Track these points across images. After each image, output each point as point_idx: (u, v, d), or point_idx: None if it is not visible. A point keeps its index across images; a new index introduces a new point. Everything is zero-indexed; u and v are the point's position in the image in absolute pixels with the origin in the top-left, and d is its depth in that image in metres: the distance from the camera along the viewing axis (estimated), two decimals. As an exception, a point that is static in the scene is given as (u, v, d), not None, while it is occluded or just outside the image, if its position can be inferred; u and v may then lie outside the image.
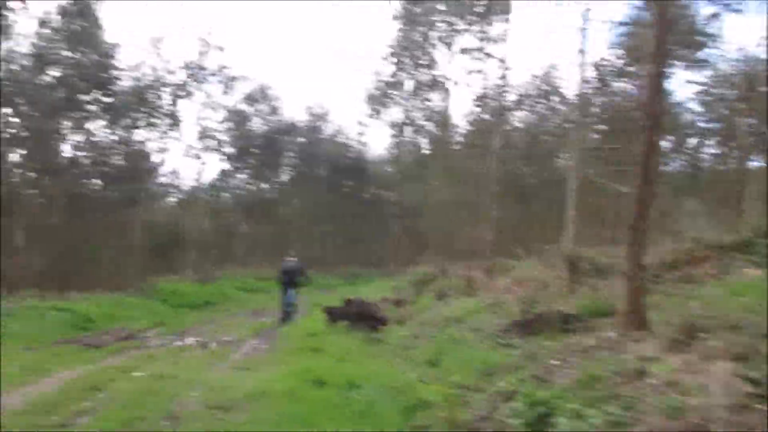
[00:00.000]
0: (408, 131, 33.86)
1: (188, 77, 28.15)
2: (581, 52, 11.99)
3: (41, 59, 20.94)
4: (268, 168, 35.75)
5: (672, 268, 9.19)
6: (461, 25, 25.46)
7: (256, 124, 34.51)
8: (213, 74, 29.59)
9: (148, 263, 24.47)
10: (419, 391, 6.25)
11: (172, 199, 33.11)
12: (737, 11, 15.91)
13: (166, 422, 5.70)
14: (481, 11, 22.03)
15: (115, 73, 22.87)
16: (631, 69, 19.22)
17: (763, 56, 16.04)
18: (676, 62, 18.36)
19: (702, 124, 26.09)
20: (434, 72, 29.98)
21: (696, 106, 24.27)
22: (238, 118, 32.75)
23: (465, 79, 23.92)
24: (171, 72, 26.87)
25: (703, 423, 3.58)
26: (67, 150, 22.63)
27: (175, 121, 27.01)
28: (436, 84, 30.19)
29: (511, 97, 23.60)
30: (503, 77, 16.84)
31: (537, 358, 6.10)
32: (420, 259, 26.07)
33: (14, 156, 21.43)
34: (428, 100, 31.59)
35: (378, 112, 32.90)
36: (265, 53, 56.24)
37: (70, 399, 6.47)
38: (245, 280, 26.85)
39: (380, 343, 10.64)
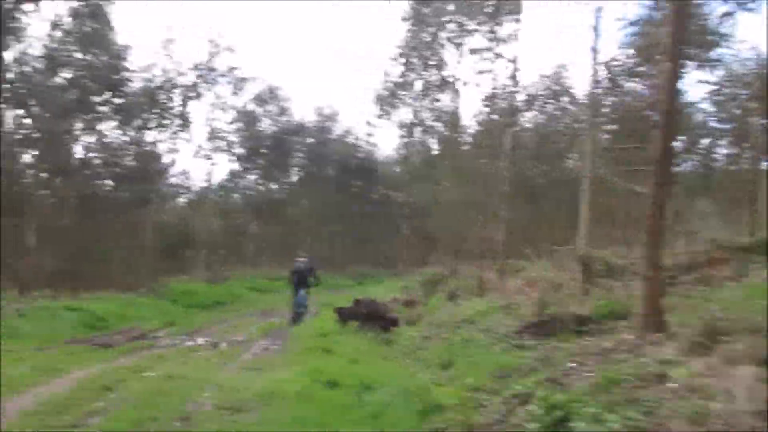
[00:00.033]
0: (417, 132, 33.78)
1: (198, 78, 28.26)
2: (593, 50, 11.86)
3: (53, 61, 21.07)
4: (277, 168, 35.81)
5: (687, 269, 9.08)
6: (471, 26, 25.33)
7: (266, 125, 34.59)
8: (223, 75, 29.70)
9: (159, 263, 24.57)
10: (433, 394, 6.18)
11: (182, 200, 33.26)
12: (750, 10, 15.69)
13: (178, 423, 5.67)
14: (491, 11, 21.88)
15: (126, 74, 22.96)
16: (642, 69, 19.04)
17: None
18: (688, 62, 18.15)
19: (714, 124, 25.86)
20: (443, 72, 29.89)
21: (708, 106, 24.03)
22: (247, 119, 32.84)
23: (474, 80, 23.75)
24: (181, 73, 27.00)
25: (726, 429, 3.50)
26: (78, 151, 22.78)
27: (185, 122, 27.12)
28: (445, 84, 30.07)
29: (521, 97, 23.46)
30: (513, 77, 16.71)
31: (552, 361, 6.03)
32: (429, 260, 26.02)
33: (26, 157, 21.60)
34: (437, 100, 31.48)
35: (387, 113, 32.84)
36: (275, 54, 56.50)
37: (81, 399, 6.46)
38: (255, 280, 26.90)
39: (391, 343, 10.60)
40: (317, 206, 37.44)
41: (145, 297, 18.33)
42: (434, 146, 34.73)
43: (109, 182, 23.35)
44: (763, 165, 19.37)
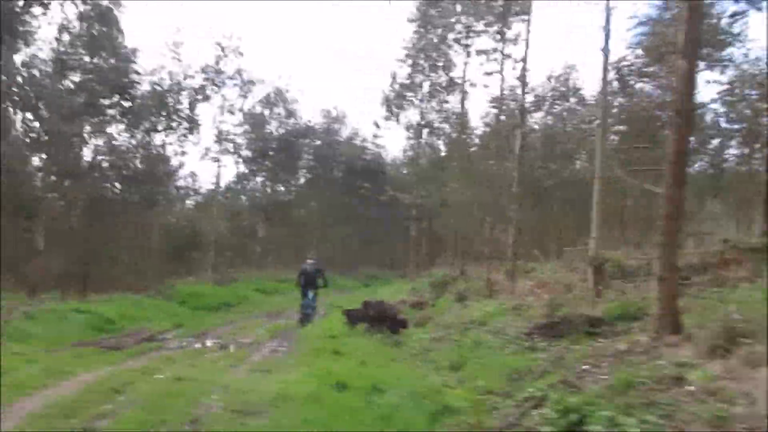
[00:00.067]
0: (425, 133, 33.71)
1: (206, 81, 28.33)
2: (604, 51, 11.75)
3: (62, 64, 21.17)
4: (284, 170, 35.85)
5: (701, 270, 8.98)
6: (479, 26, 25.26)
7: (273, 127, 34.64)
8: (230, 78, 29.77)
9: (166, 265, 24.60)
10: (444, 396, 6.10)
11: (190, 202, 33.35)
12: (761, 9, 15.52)
13: (187, 426, 5.62)
14: (499, 12, 21.78)
15: (134, 77, 23.05)
16: (651, 69, 18.91)
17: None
18: (698, 61, 17.98)
19: (724, 125, 25.64)
20: (451, 74, 29.83)
21: (718, 106, 23.81)
22: (255, 121, 32.89)
23: (482, 81, 23.67)
24: (189, 76, 27.09)
25: (749, 433, 3.41)
26: (87, 154, 22.87)
27: (193, 125, 27.16)
28: (452, 86, 30.01)
29: (530, 98, 23.35)
30: (522, 78, 16.62)
31: (565, 363, 5.94)
32: (437, 261, 25.95)
33: (35, 160, 21.71)
34: (445, 102, 31.43)
35: (394, 115, 32.79)
36: (282, 56, 56.59)
37: (89, 402, 6.41)
38: (263, 281, 26.87)
39: (400, 345, 10.53)
40: (324, 208, 37.44)
41: (153, 299, 18.32)
42: (442, 148, 34.69)
43: (118, 185, 23.42)
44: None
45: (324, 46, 61.63)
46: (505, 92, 20.82)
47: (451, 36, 28.18)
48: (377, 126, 34.45)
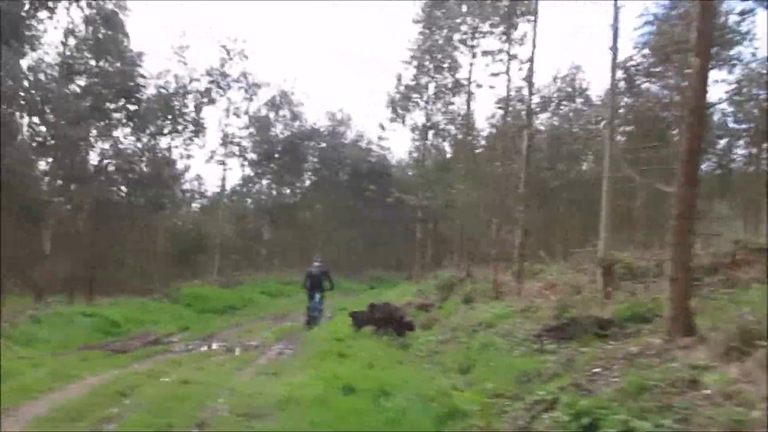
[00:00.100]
0: (430, 135, 33.62)
1: (211, 84, 28.37)
2: (612, 49, 11.65)
3: (68, 69, 21.25)
4: (290, 173, 35.84)
5: (711, 271, 8.86)
6: (484, 27, 25.18)
7: (279, 130, 34.65)
8: (236, 81, 29.80)
9: (172, 268, 24.62)
10: (452, 399, 6.03)
11: (195, 205, 33.41)
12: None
13: (194, 429, 5.58)
14: (505, 12, 21.70)
15: (140, 81, 23.12)
16: (658, 69, 18.77)
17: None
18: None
19: (732, 125, 25.45)
20: (456, 75, 29.74)
21: (726, 106, 23.64)
22: (260, 124, 32.91)
23: (488, 82, 23.54)
24: (195, 79, 27.15)
25: (768, 438, 3.32)
26: (93, 158, 22.95)
27: (198, 128, 27.22)
28: (458, 87, 29.93)
29: (536, 99, 23.24)
30: (529, 78, 16.52)
31: (575, 366, 5.85)
32: (443, 263, 25.84)
33: (42, 164, 21.79)
34: (451, 103, 31.34)
35: (400, 116, 32.72)
36: (287, 59, 56.68)
37: (96, 405, 6.38)
38: (268, 284, 26.84)
39: (407, 348, 10.47)
40: (330, 210, 37.41)
41: (159, 302, 18.32)
42: (448, 149, 34.61)
43: (124, 188, 23.49)
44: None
45: (329, 48, 61.75)
46: (512, 93, 20.71)
47: (456, 37, 28.11)
48: (382, 128, 34.41)
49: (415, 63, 30.68)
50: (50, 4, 20.61)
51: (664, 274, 6.61)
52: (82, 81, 22.03)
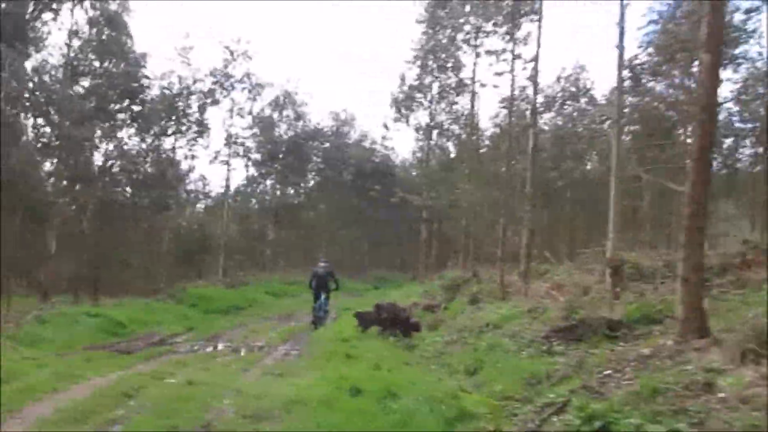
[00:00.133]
0: (434, 135, 33.55)
1: (215, 85, 28.38)
2: (618, 47, 11.56)
3: (72, 70, 21.25)
4: (294, 173, 35.81)
5: (720, 272, 8.77)
6: (488, 27, 25.06)
7: (282, 130, 34.64)
8: (239, 81, 29.79)
9: (177, 269, 24.61)
10: (461, 401, 5.95)
11: (200, 206, 33.42)
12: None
13: (200, 431, 5.53)
14: (508, 12, 21.59)
15: (144, 82, 23.12)
16: (663, 68, 18.66)
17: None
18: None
19: (738, 124, 25.27)
20: (460, 75, 29.64)
21: (732, 105, 23.46)
22: (264, 125, 32.89)
23: (492, 81, 23.43)
24: (199, 80, 27.16)
25: (787, 442, 3.24)
26: (98, 158, 22.96)
27: (202, 129, 27.25)
28: (462, 87, 29.83)
29: (540, 98, 23.13)
30: (533, 78, 16.44)
31: (586, 368, 5.77)
32: (448, 263, 25.76)
33: (47, 165, 21.80)
34: (454, 103, 31.25)
35: (404, 116, 32.65)
36: (290, 59, 56.68)
37: (101, 406, 6.33)
38: (273, 284, 26.82)
39: (413, 349, 10.42)
40: (334, 210, 37.38)
41: (164, 302, 18.32)
42: (452, 149, 34.51)
43: (128, 189, 23.49)
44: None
45: (329, 48, 61.68)
46: (516, 92, 20.61)
47: (460, 37, 28.00)
48: (386, 128, 34.34)
49: (418, 63, 30.61)
50: (54, 5, 20.62)
51: (674, 274, 6.52)
52: (86, 82, 22.04)
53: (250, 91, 30.98)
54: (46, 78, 20.54)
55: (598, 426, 4.21)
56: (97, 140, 22.50)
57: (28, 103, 19.94)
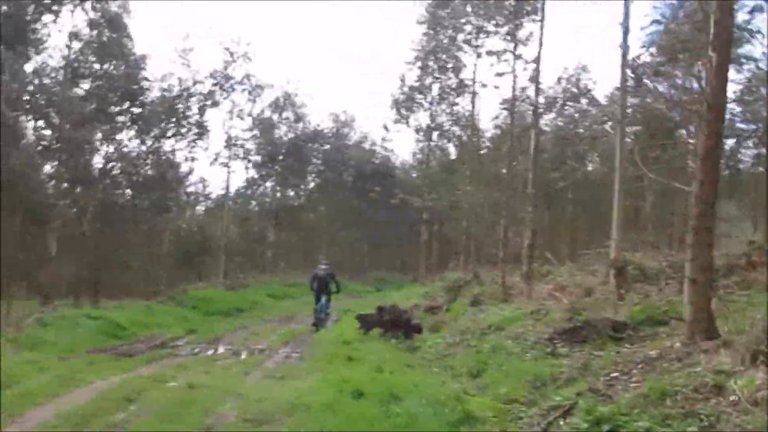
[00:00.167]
0: (435, 136, 33.50)
1: (215, 86, 28.33)
2: (622, 47, 11.51)
3: (72, 72, 21.22)
4: (294, 175, 35.76)
5: (725, 273, 8.71)
6: (489, 27, 25.02)
7: (282, 132, 34.60)
8: (239, 83, 29.75)
9: (178, 271, 24.55)
10: (465, 404, 5.89)
11: (200, 208, 33.35)
12: (782, 5, 15.13)
13: (203, 436, 5.48)
14: (510, 12, 21.55)
15: (144, 84, 23.09)
16: (665, 68, 18.59)
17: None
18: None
19: (740, 125, 25.22)
20: (461, 76, 29.59)
21: (734, 106, 23.40)
22: (264, 126, 32.84)
23: (493, 82, 23.38)
24: (198, 82, 27.11)
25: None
26: (98, 160, 22.91)
27: (202, 131, 27.19)
28: (462, 88, 29.77)
29: (541, 99, 23.07)
30: (535, 78, 16.39)
31: (591, 370, 5.72)
32: (449, 265, 25.70)
33: (47, 167, 21.75)
34: (455, 104, 31.19)
35: (404, 118, 32.60)
36: (290, 61, 56.68)
37: (103, 410, 6.28)
38: (273, 286, 26.77)
39: (415, 351, 10.37)
40: (334, 212, 37.33)
41: (164, 304, 18.26)
42: (452, 150, 34.46)
43: (128, 191, 23.45)
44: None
45: (328, 49, 61.58)
46: (517, 93, 20.55)
47: (460, 37, 27.95)
48: (386, 129, 34.29)
49: (419, 64, 30.57)
50: (55, 7, 20.60)
51: (679, 275, 6.46)
52: (86, 84, 22.01)
53: (250, 93, 30.97)
54: (47, 80, 20.53)
55: (606, 429, 4.16)
56: (97, 142, 22.46)
57: (28, 105, 19.92)
